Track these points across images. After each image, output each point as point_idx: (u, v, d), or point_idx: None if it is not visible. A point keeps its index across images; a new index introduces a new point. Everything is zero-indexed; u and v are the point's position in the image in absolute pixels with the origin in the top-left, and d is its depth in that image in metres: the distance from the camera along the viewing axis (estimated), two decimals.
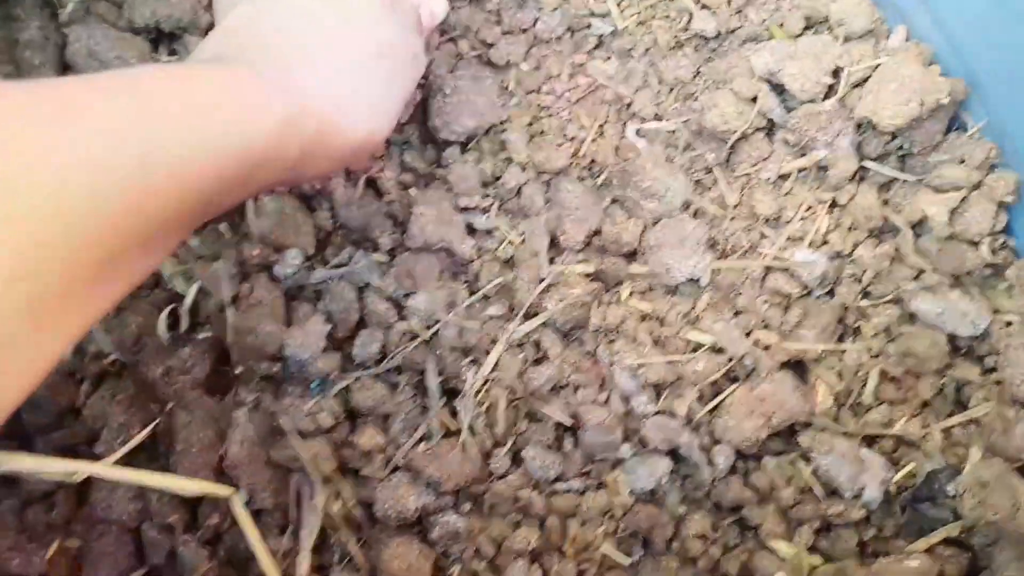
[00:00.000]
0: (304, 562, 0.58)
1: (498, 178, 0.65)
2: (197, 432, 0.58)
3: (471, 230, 0.65)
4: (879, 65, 0.61)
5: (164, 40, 0.66)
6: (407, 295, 0.62)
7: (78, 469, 0.53)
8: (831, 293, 0.63)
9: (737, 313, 0.63)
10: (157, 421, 0.59)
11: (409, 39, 0.53)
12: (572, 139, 0.67)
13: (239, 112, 0.39)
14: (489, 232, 0.65)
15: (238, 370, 0.62)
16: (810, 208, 0.64)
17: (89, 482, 0.59)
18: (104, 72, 0.39)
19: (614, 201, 0.66)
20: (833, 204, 0.64)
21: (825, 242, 0.63)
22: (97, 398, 0.60)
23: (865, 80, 0.62)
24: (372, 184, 0.65)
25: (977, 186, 0.61)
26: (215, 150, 0.37)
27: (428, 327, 0.61)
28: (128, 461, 0.58)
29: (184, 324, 0.62)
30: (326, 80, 0.45)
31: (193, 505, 0.60)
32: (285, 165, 0.43)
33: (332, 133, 0.45)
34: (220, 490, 0.55)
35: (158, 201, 0.34)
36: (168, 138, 0.35)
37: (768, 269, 0.63)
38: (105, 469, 0.54)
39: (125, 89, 0.35)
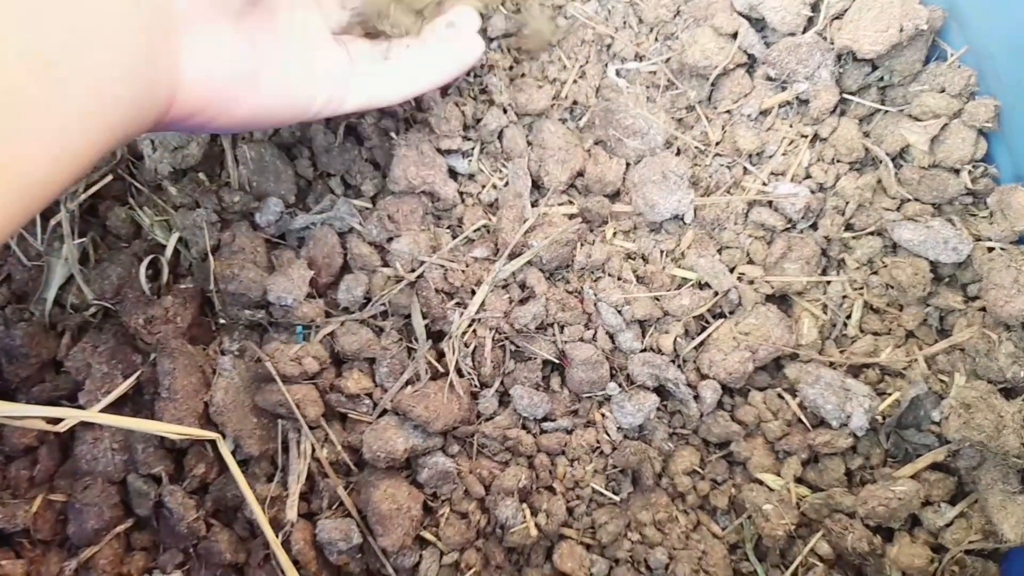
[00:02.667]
0: (292, 507, 0.58)
1: (479, 120, 0.64)
2: (181, 380, 0.57)
3: (453, 174, 0.64)
4: None
5: None
6: (390, 239, 0.61)
7: (64, 415, 0.53)
8: (814, 226, 0.63)
9: (721, 248, 0.63)
10: (140, 371, 0.59)
11: None
12: (553, 81, 0.66)
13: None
14: (471, 176, 0.65)
15: (222, 319, 0.61)
16: (792, 142, 0.63)
17: (72, 436, 0.59)
18: None
19: (597, 142, 0.65)
20: (815, 138, 0.64)
21: (808, 175, 0.63)
22: (78, 350, 0.59)
23: (844, 12, 0.62)
24: (352, 131, 0.64)
25: (957, 114, 0.61)
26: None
27: (412, 270, 0.60)
28: (112, 413, 0.57)
29: (165, 274, 0.61)
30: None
31: (179, 455, 0.60)
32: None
33: None
34: (206, 434, 0.55)
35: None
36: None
37: (751, 204, 0.63)
38: (90, 414, 0.54)
39: None
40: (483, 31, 0.66)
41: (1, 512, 0.58)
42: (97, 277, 0.60)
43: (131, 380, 0.58)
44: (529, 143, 0.65)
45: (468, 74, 0.65)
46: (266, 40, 0.46)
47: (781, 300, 0.63)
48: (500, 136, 0.65)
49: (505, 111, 0.65)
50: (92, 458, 0.58)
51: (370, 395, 0.60)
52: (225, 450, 0.56)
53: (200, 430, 0.56)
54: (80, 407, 0.58)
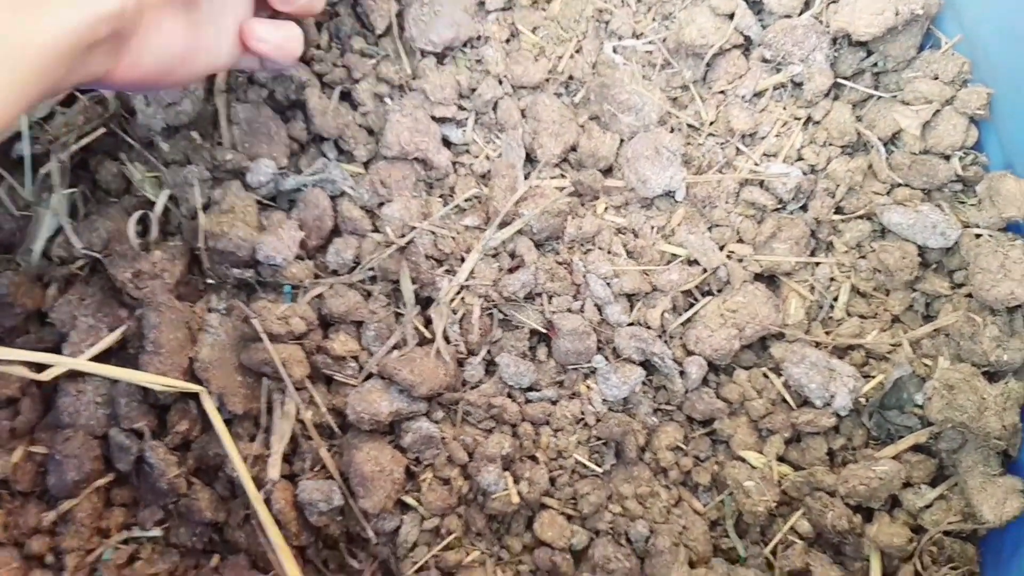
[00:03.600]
0: (275, 466, 0.58)
1: (474, 90, 0.64)
2: (167, 334, 0.57)
3: (447, 143, 0.64)
4: None
5: None
6: (381, 204, 0.61)
7: (50, 361, 0.52)
8: (804, 208, 0.63)
9: (712, 226, 0.63)
10: (126, 326, 0.59)
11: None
12: (550, 55, 0.67)
13: None
14: (465, 147, 0.65)
15: (209, 278, 0.61)
16: (785, 124, 0.64)
17: (55, 388, 0.59)
18: None
19: (591, 117, 0.65)
20: (808, 120, 0.64)
21: (800, 157, 0.63)
22: (64, 302, 0.59)
23: None
24: (347, 96, 0.64)
25: (950, 101, 0.61)
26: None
27: (402, 235, 0.60)
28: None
29: (154, 231, 0.61)
30: None
31: (162, 412, 0.60)
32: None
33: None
34: (190, 387, 0.55)
35: None
36: None
37: (743, 183, 0.63)
38: (77, 362, 0.54)
39: None
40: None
41: None
42: (85, 230, 0.60)
43: (117, 333, 0.58)
44: (523, 115, 0.65)
45: (464, 44, 0.66)
46: (202, 21, 0.47)
47: (769, 280, 0.63)
48: (495, 107, 0.65)
49: (500, 82, 0.65)
50: (74, 411, 0.58)
51: (356, 358, 0.60)
52: (209, 404, 0.56)
53: (184, 383, 0.55)
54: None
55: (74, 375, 0.57)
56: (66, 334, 0.58)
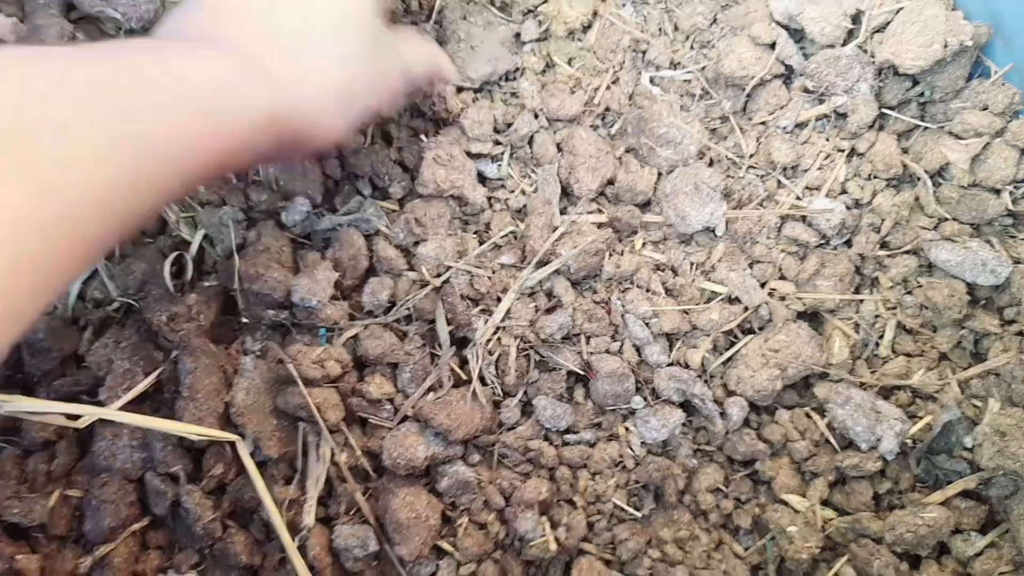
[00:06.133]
0: (310, 512, 0.57)
1: (509, 124, 0.63)
2: (202, 379, 0.57)
3: (482, 179, 0.64)
4: (901, 8, 0.59)
5: None
6: (416, 243, 0.61)
7: (83, 412, 0.52)
8: (848, 243, 0.62)
9: (753, 263, 0.62)
10: (161, 368, 0.58)
11: (389, 73, 0.52)
12: (586, 87, 0.65)
13: (229, 100, 0.39)
14: (500, 181, 0.64)
15: (245, 318, 0.60)
16: (828, 156, 0.62)
17: (91, 431, 0.59)
18: (102, 45, 0.39)
19: (628, 150, 0.64)
20: (852, 152, 0.62)
21: (843, 191, 0.62)
22: (100, 345, 0.59)
23: (886, 25, 0.61)
24: (382, 132, 0.63)
25: (1000, 133, 0.59)
26: (198, 132, 0.37)
27: (438, 275, 0.59)
28: (132, 410, 0.57)
29: (189, 271, 0.61)
30: (306, 80, 0.44)
31: (197, 455, 0.59)
32: (258, 155, 0.44)
33: (307, 133, 0.45)
34: (225, 435, 0.54)
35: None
36: (152, 122, 0.35)
37: (784, 218, 0.61)
38: (110, 412, 0.53)
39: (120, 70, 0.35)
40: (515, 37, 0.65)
41: (18, 506, 0.57)
42: (121, 272, 0.59)
43: (151, 378, 0.57)
44: (560, 149, 0.64)
45: (501, 78, 0.65)
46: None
47: (812, 317, 0.62)
48: (530, 141, 0.64)
49: (536, 116, 0.64)
50: (110, 455, 0.58)
51: (392, 400, 0.59)
52: (244, 452, 0.56)
53: (219, 431, 0.55)
54: (100, 403, 0.57)
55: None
56: (102, 378, 0.58)
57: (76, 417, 0.54)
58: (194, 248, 0.60)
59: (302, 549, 0.56)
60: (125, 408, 0.57)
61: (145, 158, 0.35)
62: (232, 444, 0.57)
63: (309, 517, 0.57)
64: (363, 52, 0.47)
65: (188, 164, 0.37)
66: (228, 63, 0.40)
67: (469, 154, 0.62)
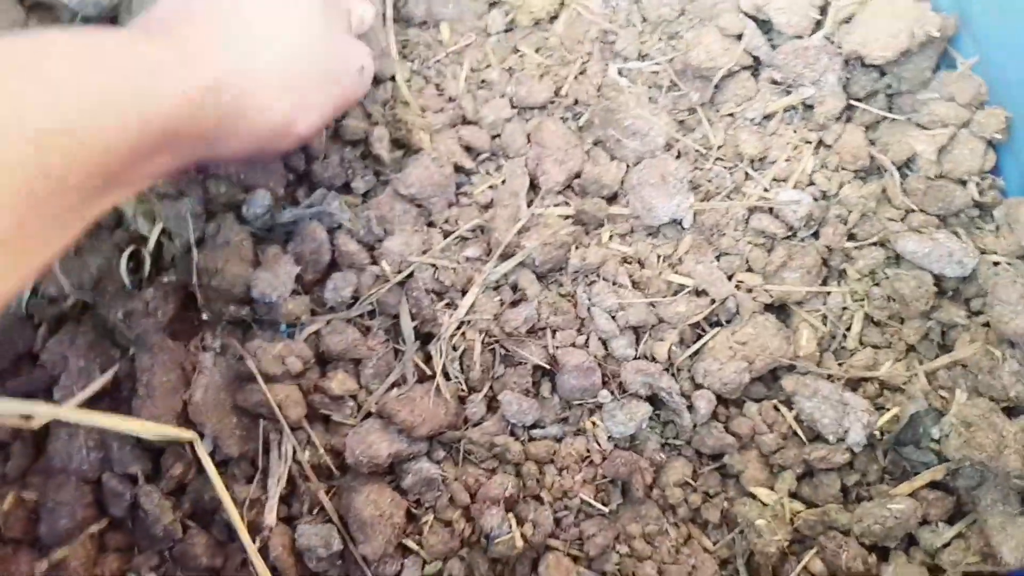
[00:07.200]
0: (272, 511, 0.56)
1: (477, 113, 0.62)
2: (160, 377, 0.55)
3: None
4: None
5: None
6: (380, 238, 0.60)
7: (34, 411, 0.51)
8: (816, 235, 0.61)
9: (720, 255, 0.61)
10: (118, 366, 0.57)
11: (352, 49, 0.54)
12: (555, 76, 0.65)
13: (150, 78, 0.39)
14: (468, 178, 0.63)
15: (205, 314, 0.59)
16: (796, 148, 0.62)
17: (47, 432, 0.57)
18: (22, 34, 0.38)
19: (596, 143, 0.63)
20: (819, 144, 0.62)
21: (811, 182, 0.61)
22: (55, 342, 0.57)
23: (853, 16, 0.60)
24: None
25: (966, 124, 0.59)
26: (123, 114, 0.37)
27: (400, 271, 0.59)
28: (89, 408, 0.56)
29: (147, 266, 0.59)
30: (246, 57, 0.45)
31: (156, 455, 0.58)
32: (200, 136, 0.43)
33: (249, 109, 0.45)
34: (182, 434, 0.53)
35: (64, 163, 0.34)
36: (75, 103, 0.35)
37: (752, 210, 0.61)
38: (62, 411, 0.52)
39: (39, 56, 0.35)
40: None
41: None
42: (76, 267, 0.58)
43: (108, 375, 0.56)
44: (528, 141, 0.63)
45: (472, 69, 0.64)
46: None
47: (780, 310, 0.61)
48: (499, 132, 0.63)
49: (505, 103, 0.63)
50: (66, 455, 0.56)
51: (355, 397, 0.58)
52: (202, 451, 0.54)
53: (176, 429, 0.54)
54: (55, 402, 0.56)
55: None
56: (57, 376, 0.57)
57: (28, 417, 0.53)
58: (152, 242, 0.59)
59: (264, 549, 0.55)
60: (81, 407, 0.55)
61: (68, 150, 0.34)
62: (191, 442, 0.56)
63: (271, 516, 0.56)
64: (312, 40, 0.48)
65: (117, 149, 0.37)
66: (146, 41, 0.41)
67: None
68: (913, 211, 0.60)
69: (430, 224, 0.61)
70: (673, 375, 0.59)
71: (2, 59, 0.34)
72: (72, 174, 0.34)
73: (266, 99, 0.46)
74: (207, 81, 0.42)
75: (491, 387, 0.59)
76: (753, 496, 0.59)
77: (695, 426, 0.60)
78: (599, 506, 0.58)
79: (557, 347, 0.58)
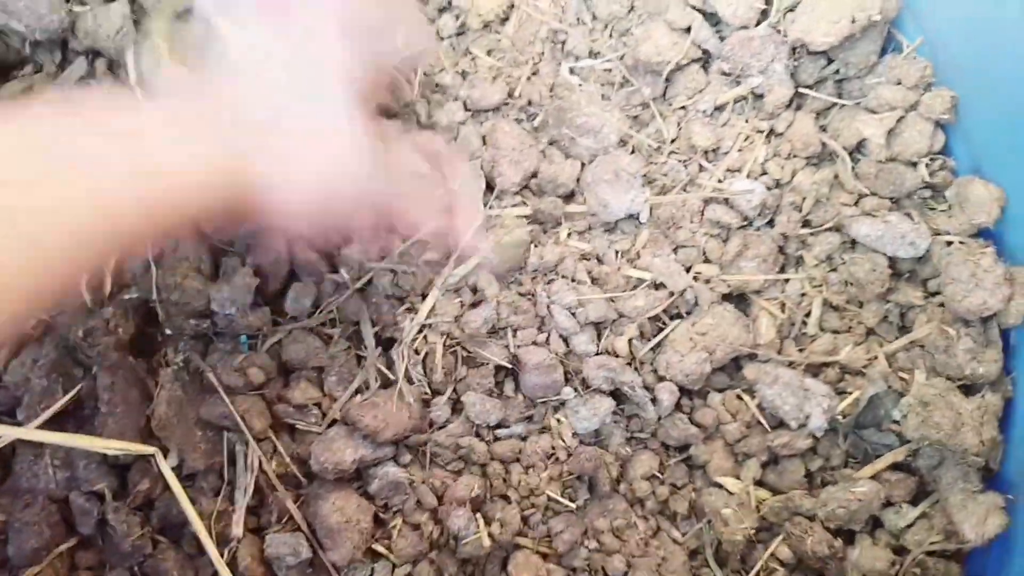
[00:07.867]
0: (239, 523, 0.56)
1: (432, 118, 0.63)
2: (122, 393, 0.56)
3: None
4: None
5: None
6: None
7: None
8: (771, 223, 0.62)
9: (677, 248, 0.62)
10: (81, 385, 0.57)
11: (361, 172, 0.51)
12: (507, 78, 0.65)
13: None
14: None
15: (167, 330, 0.59)
16: (748, 138, 0.62)
17: (12, 452, 0.57)
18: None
19: (551, 142, 0.64)
20: (771, 133, 0.62)
21: (764, 171, 0.62)
22: (17, 363, 0.58)
23: (797, 4, 0.61)
24: None
25: (914, 106, 0.59)
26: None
27: (359, 277, 0.59)
28: (53, 428, 0.56)
29: (108, 284, 0.59)
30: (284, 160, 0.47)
31: (122, 471, 0.58)
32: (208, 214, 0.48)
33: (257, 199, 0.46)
34: (143, 448, 0.54)
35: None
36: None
37: (707, 201, 0.61)
38: (24, 431, 0.52)
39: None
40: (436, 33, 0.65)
41: None
42: None
43: (70, 395, 0.56)
44: (484, 142, 0.63)
45: (424, 74, 0.64)
46: None
47: (739, 299, 0.62)
48: (456, 135, 0.63)
49: (461, 105, 0.63)
50: (32, 475, 0.56)
51: (319, 405, 0.58)
52: (164, 465, 0.55)
53: (138, 445, 0.54)
54: (19, 423, 0.56)
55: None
56: (20, 397, 0.57)
57: None
58: (111, 260, 0.59)
59: (233, 561, 0.55)
60: (44, 427, 0.56)
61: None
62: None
63: (238, 528, 0.56)
64: (351, 162, 0.49)
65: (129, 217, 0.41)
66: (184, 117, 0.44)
67: None
68: (866, 195, 0.60)
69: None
70: (635, 369, 0.60)
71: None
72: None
73: (279, 192, 0.47)
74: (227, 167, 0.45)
75: (454, 389, 0.59)
76: (720, 486, 0.60)
77: (659, 418, 0.60)
78: (566, 503, 0.59)
79: (518, 346, 0.59)
